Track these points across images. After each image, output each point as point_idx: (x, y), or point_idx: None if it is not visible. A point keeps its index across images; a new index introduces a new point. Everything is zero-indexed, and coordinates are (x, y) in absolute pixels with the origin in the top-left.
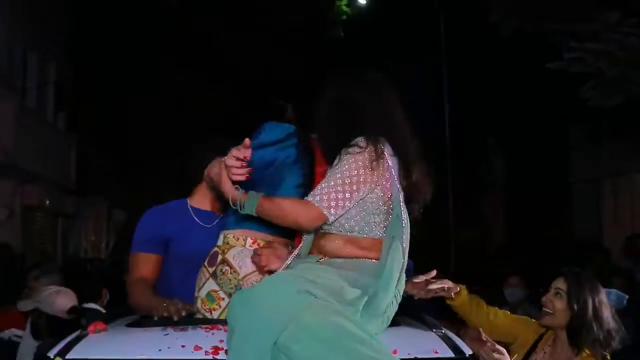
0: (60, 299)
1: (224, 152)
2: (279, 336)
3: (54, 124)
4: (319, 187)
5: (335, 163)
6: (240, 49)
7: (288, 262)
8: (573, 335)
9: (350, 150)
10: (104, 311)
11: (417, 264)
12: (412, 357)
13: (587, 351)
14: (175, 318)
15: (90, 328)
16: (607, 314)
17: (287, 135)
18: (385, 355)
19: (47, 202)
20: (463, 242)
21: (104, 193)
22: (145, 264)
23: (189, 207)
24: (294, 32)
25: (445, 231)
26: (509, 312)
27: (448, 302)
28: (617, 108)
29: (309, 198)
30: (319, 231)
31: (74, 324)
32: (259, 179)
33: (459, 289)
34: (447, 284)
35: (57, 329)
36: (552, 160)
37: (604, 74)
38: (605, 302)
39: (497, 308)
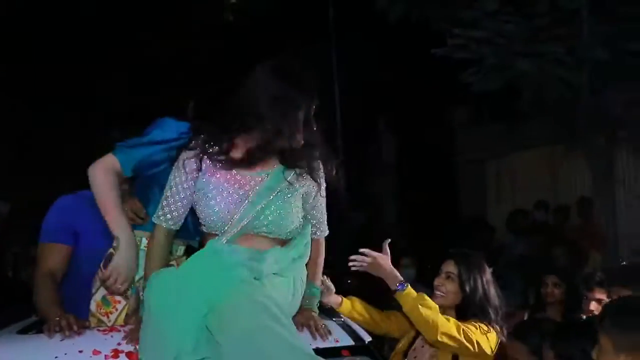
0: None
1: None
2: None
3: None
4: None
5: None
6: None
7: None
8: (463, 314)
9: None
10: None
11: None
12: (314, 347)
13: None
14: (67, 334)
15: None
16: (493, 291)
17: (179, 134)
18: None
19: None
20: (354, 225)
21: None
22: (53, 256)
23: None
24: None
25: (337, 214)
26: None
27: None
28: (497, 92)
29: None
30: None
31: None
32: (150, 178)
33: (340, 300)
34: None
35: None
36: (439, 142)
37: (485, 59)
38: (492, 281)
39: (388, 311)
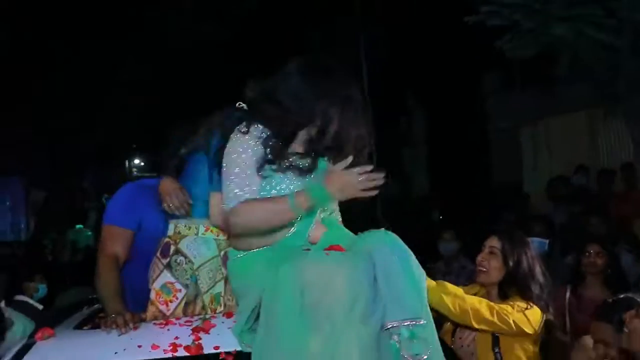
0: None
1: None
2: None
3: None
4: None
5: None
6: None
7: None
8: (505, 291)
9: None
10: (35, 304)
11: (345, 221)
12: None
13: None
14: (124, 331)
15: (37, 335)
16: (538, 269)
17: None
18: None
19: None
20: (389, 197)
21: (19, 173)
22: (117, 239)
23: None
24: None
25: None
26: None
27: None
28: (532, 58)
29: None
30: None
31: None
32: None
33: None
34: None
35: None
36: (471, 111)
37: (519, 26)
38: (537, 257)
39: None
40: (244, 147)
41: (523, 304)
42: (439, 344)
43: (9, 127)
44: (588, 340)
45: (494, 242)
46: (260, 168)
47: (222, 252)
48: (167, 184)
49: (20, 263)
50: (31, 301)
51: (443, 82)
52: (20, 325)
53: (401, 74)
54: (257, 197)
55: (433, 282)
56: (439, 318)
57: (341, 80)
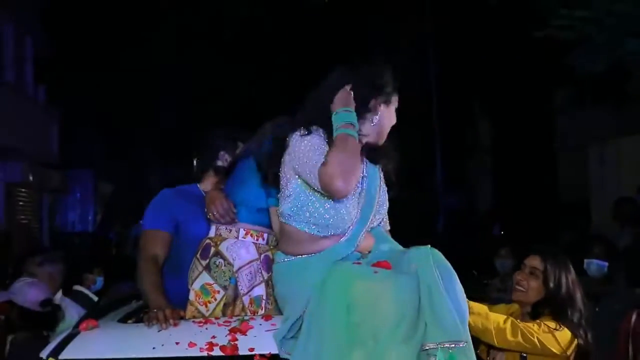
0: (34, 291)
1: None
2: None
3: (34, 98)
4: None
5: None
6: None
7: None
8: (540, 312)
9: None
10: (91, 296)
11: (404, 230)
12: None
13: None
14: (164, 326)
15: (82, 326)
16: (579, 294)
17: None
18: None
19: (31, 177)
20: (450, 208)
21: (90, 166)
22: (155, 241)
23: (200, 191)
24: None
25: (433, 197)
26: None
27: None
28: (602, 74)
29: None
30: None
31: (48, 317)
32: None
33: None
34: None
35: (30, 322)
36: (539, 126)
37: (591, 40)
38: (578, 283)
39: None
40: (312, 145)
41: (552, 324)
42: None
43: (81, 121)
44: None
45: (535, 263)
46: None
47: (262, 256)
48: (213, 193)
49: (83, 254)
50: (88, 292)
51: (512, 97)
52: (75, 315)
53: (470, 87)
54: None
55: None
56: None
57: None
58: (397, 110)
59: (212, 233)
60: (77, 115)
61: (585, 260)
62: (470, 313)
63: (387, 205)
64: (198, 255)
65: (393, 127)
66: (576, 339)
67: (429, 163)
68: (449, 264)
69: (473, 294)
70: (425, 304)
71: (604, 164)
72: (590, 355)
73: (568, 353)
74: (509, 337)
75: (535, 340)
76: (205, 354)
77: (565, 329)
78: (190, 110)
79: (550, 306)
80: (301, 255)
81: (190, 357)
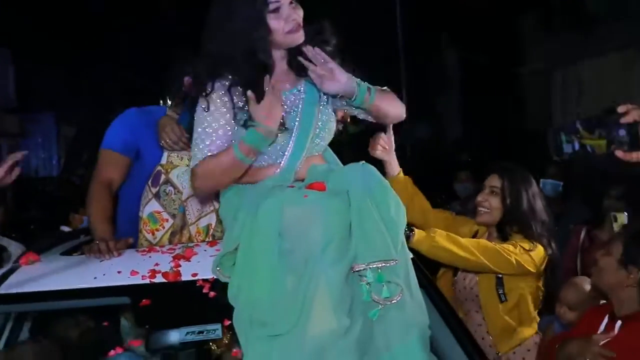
0: None
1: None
2: None
3: None
4: None
5: None
6: None
7: None
8: (505, 230)
9: None
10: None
11: (373, 162)
12: None
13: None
14: (107, 257)
15: (22, 260)
16: (540, 205)
17: None
18: None
19: None
20: (418, 138)
21: (51, 109)
22: (112, 164)
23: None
24: None
25: (400, 128)
26: (450, 213)
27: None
28: None
29: None
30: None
31: None
32: None
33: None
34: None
35: None
36: (504, 53)
37: None
38: (539, 194)
39: (441, 210)
40: (200, 113)
41: (527, 245)
42: (417, 287)
43: (40, 64)
44: (579, 279)
45: (494, 182)
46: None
47: None
48: (164, 120)
49: (54, 198)
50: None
51: (476, 22)
52: None
53: (434, 13)
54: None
55: (424, 232)
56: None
57: None
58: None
59: (163, 160)
60: (32, 56)
61: (541, 180)
62: (439, 242)
63: (334, 124)
64: (149, 183)
65: (357, 62)
66: (547, 251)
67: (396, 92)
68: (383, 180)
69: None
70: (355, 224)
71: (565, 88)
72: (558, 265)
73: (541, 268)
74: (486, 261)
75: (513, 261)
76: (147, 281)
77: (539, 246)
78: (158, 46)
79: (515, 223)
80: (241, 184)
81: (132, 285)
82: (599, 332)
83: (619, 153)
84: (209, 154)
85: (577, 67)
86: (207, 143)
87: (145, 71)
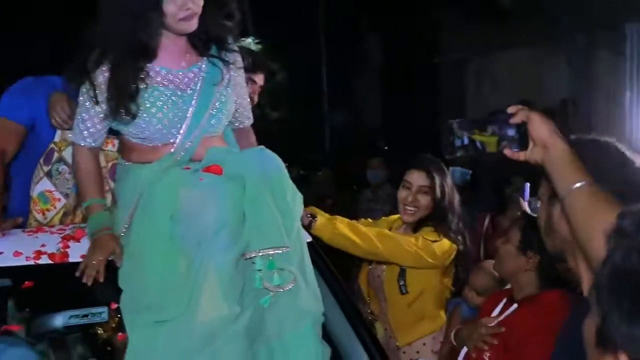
0: None
1: None
2: None
3: None
4: None
5: None
6: None
7: None
8: (421, 225)
9: None
10: None
11: (292, 149)
12: None
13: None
14: None
15: None
16: (457, 199)
17: None
18: None
19: None
20: (338, 126)
21: None
22: (5, 132)
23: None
24: None
25: (320, 115)
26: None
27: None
28: None
29: None
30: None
31: None
32: None
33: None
34: None
35: None
36: (423, 42)
37: None
38: (454, 187)
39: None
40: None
41: (432, 236)
42: (312, 274)
43: None
44: (487, 264)
45: (421, 180)
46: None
47: (110, 164)
48: (55, 97)
49: None
50: None
51: (396, 11)
52: None
53: (357, 4)
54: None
55: (325, 219)
56: None
57: None
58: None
59: (57, 137)
60: None
61: (450, 168)
62: (338, 229)
63: (231, 105)
64: (41, 161)
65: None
66: (456, 246)
67: (316, 80)
68: (281, 166)
69: (350, 208)
70: (249, 210)
71: (480, 79)
72: (468, 257)
73: (446, 263)
74: (382, 250)
75: (413, 252)
76: (31, 262)
77: (444, 239)
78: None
79: (434, 216)
80: (135, 163)
81: (15, 266)
82: (492, 315)
83: (507, 152)
84: (82, 144)
85: (491, 59)
86: (81, 129)
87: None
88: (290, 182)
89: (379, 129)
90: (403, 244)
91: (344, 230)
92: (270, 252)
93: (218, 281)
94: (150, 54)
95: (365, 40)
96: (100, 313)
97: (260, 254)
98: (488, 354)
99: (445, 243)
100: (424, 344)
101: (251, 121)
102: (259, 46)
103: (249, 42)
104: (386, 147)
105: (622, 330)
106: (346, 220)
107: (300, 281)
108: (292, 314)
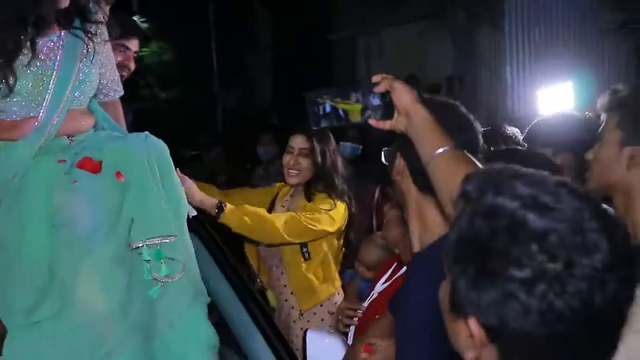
0: None
1: None
2: None
3: None
4: None
5: None
6: None
7: None
8: (313, 188)
9: None
10: None
11: (183, 129)
12: None
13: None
14: None
15: None
16: (340, 163)
17: None
18: None
19: None
20: (229, 104)
21: None
22: None
23: None
24: None
25: (211, 94)
26: (249, 190)
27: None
28: None
29: None
30: None
31: None
32: None
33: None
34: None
35: None
36: (315, 18)
37: None
38: (337, 150)
39: (247, 190)
40: None
41: (326, 204)
42: (194, 263)
43: None
44: (376, 236)
45: (302, 143)
46: None
47: None
48: None
49: None
50: None
51: None
52: None
53: None
54: None
55: (233, 207)
56: None
57: None
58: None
59: None
60: None
61: (341, 144)
62: (245, 217)
63: (96, 77)
64: None
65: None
66: (347, 209)
67: (206, 60)
68: (166, 153)
69: (243, 184)
70: (134, 200)
71: (369, 55)
72: (354, 219)
73: (342, 227)
74: (293, 237)
75: (319, 229)
76: None
77: (339, 203)
78: None
79: (321, 180)
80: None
81: None
82: (382, 279)
83: (372, 121)
84: None
85: (379, 35)
86: None
87: None
88: (173, 169)
89: (270, 107)
90: (308, 224)
91: (251, 219)
92: (157, 242)
93: (96, 276)
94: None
95: (256, 17)
96: None
97: (148, 243)
98: None
99: (341, 207)
100: (321, 305)
101: (120, 94)
102: (146, 25)
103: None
104: (276, 124)
105: (470, 296)
106: (252, 208)
107: (188, 267)
108: (183, 302)
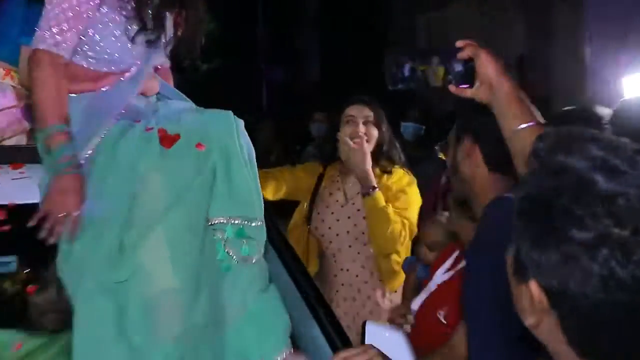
0: None
1: None
2: None
3: None
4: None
5: None
6: None
7: None
8: (379, 159)
9: None
10: None
11: (229, 105)
12: None
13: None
14: None
15: None
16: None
17: None
18: None
19: None
20: (275, 81)
21: None
22: None
23: None
24: None
25: (257, 70)
26: (292, 169)
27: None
28: None
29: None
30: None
31: None
32: None
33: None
34: None
35: None
36: None
37: None
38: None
39: (281, 169)
40: None
41: (407, 178)
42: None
43: None
44: (441, 217)
45: (365, 112)
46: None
47: (23, 103)
48: None
49: None
50: None
51: None
52: None
53: None
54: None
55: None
56: None
57: None
58: None
59: None
60: None
61: (402, 124)
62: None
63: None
64: None
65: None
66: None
67: (252, 35)
68: (249, 140)
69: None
70: (221, 175)
71: (430, 30)
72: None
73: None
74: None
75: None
76: None
77: (410, 174)
78: None
79: (388, 150)
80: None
81: None
82: (443, 267)
83: (451, 87)
84: (53, 48)
85: (444, 13)
86: (54, 31)
87: None
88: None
89: (318, 82)
90: (412, 229)
91: (391, 215)
92: (238, 222)
93: (166, 245)
94: None
95: None
96: (8, 262)
97: (232, 221)
98: (442, 312)
99: (414, 182)
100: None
101: (168, 63)
102: None
103: None
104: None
105: (532, 256)
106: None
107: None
108: (256, 288)
